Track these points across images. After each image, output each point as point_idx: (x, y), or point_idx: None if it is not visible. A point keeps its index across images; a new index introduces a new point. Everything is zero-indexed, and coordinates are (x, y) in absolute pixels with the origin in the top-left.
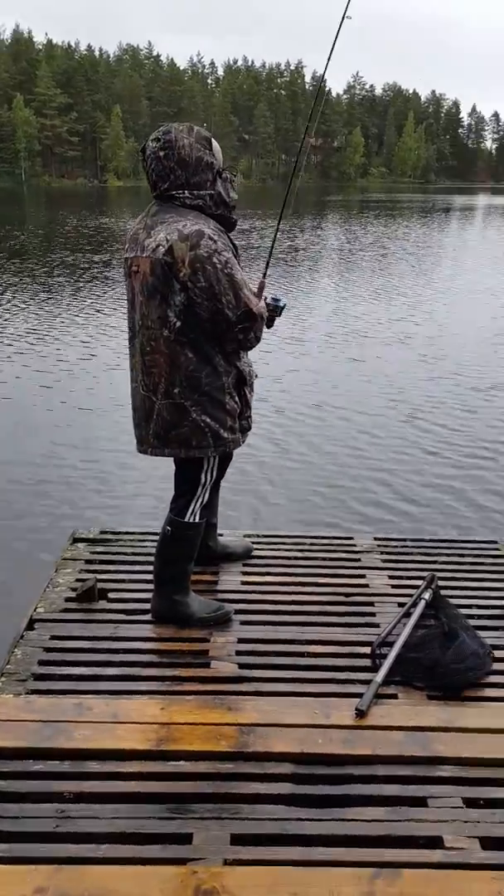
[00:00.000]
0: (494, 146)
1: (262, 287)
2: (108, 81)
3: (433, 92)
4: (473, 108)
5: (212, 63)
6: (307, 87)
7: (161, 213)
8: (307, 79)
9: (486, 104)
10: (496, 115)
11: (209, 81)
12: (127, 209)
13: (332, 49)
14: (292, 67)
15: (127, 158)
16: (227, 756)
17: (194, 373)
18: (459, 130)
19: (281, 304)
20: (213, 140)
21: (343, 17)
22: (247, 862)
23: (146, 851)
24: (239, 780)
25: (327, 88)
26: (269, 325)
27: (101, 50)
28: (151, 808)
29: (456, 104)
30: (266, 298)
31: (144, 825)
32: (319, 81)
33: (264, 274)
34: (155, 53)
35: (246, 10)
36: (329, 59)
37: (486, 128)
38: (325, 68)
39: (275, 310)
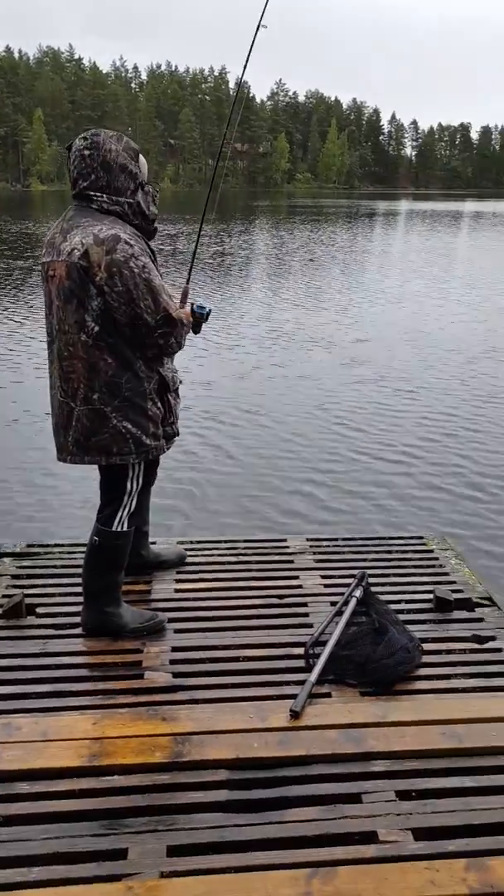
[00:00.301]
0: (414, 153)
1: (185, 293)
2: (29, 84)
3: (354, 100)
4: (393, 116)
5: (135, 67)
6: (231, 92)
7: (77, 217)
8: (231, 84)
9: (404, 111)
10: (415, 122)
11: (133, 86)
12: (52, 214)
13: (248, 58)
14: (216, 73)
15: (50, 162)
16: (162, 767)
17: (114, 378)
18: (381, 138)
19: (206, 311)
20: (140, 154)
21: (258, 27)
22: (183, 873)
23: (80, 871)
24: (174, 790)
25: (251, 94)
26: (196, 332)
27: (20, 52)
28: (85, 826)
29: (376, 112)
30: (193, 305)
31: (77, 844)
32: (237, 88)
33: (187, 280)
34: (77, 56)
35: (169, 15)
36: (245, 67)
37: (406, 135)
38: (242, 74)
39: (201, 316)
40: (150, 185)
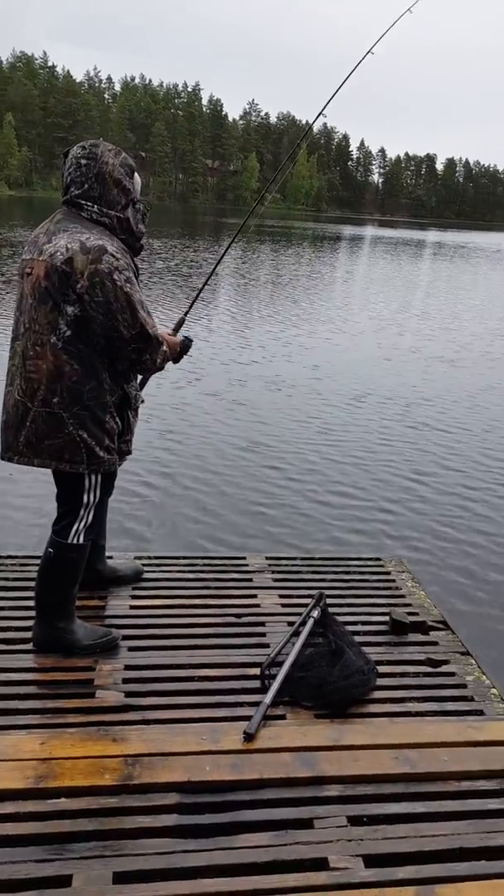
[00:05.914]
0: (381, 180)
1: (181, 323)
2: (1, 88)
3: (325, 124)
4: (362, 143)
5: (109, 78)
6: (204, 109)
7: (65, 222)
8: (204, 101)
9: (373, 139)
10: (382, 150)
11: (106, 96)
12: (17, 220)
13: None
14: (189, 89)
15: (19, 167)
16: (111, 790)
17: (77, 385)
18: (349, 163)
19: (191, 342)
20: (136, 172)
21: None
22: None
23: None
24: (123, 814)
25: (223, 113)
26: (176, 361)
27: None
28: (28, 851)
29: (346, 137)
30: (184, 337)
31: (20, 870)
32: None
33: (186, 312)
34: (50, 63)
35: (143, 28)
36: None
37: (374, 162)
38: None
39: (187, 347)
40: (140, 203)
